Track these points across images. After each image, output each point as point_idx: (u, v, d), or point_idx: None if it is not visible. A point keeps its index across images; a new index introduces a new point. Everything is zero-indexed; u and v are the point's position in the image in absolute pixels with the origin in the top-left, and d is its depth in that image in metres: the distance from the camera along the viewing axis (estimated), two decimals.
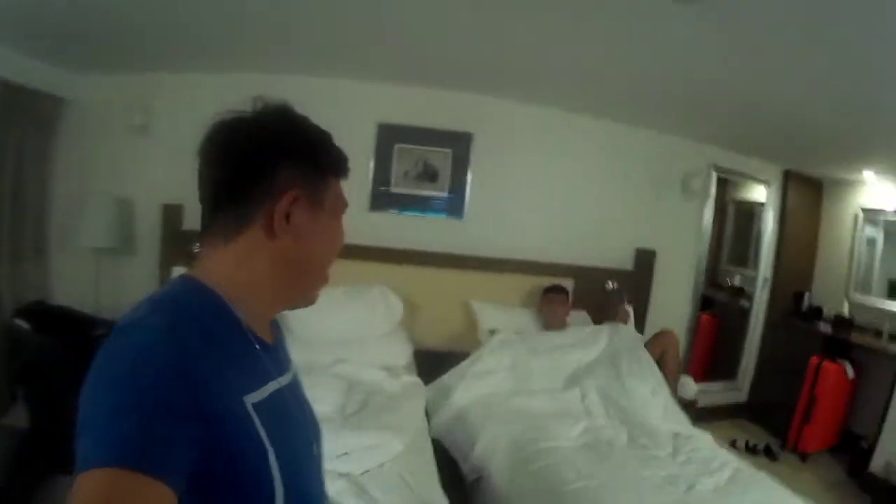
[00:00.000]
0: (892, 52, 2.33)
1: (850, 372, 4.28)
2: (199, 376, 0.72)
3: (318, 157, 0.91)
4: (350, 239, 3.12)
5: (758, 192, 5.04)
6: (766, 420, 4.55)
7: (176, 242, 3.54)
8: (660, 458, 2.74)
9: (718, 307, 5.18)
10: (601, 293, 4.15)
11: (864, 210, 4.72)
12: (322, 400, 2.62)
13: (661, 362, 3.62)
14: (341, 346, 3.35)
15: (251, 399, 0.80)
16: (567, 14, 2.50)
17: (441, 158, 3.97)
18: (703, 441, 2.96)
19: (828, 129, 3.70)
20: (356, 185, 3.86)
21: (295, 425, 0.93)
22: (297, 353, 3.10)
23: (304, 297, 0.97)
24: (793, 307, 4.94)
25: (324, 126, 2.90)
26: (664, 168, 4.48)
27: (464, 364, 3.47)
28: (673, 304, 4.54)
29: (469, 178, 4.03)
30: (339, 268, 3.13)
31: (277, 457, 0.80)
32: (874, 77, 2.65)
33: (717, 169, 4.63)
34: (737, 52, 2.69)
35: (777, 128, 3.91)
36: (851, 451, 4.20)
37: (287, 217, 0.87)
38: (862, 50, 2.38)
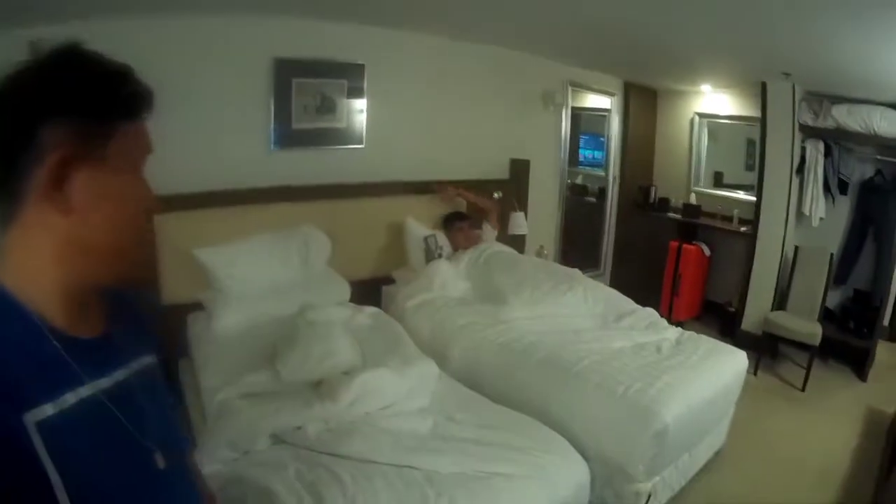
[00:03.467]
0: None
1: (707, 250, 5.25)
2: None
3: (92, 102, 0.72)
4: (257, 181, 3.20)
5: (601, 101, 5.67)
6: (633, 298, 5.24)
7: None
8: (623, 329, 3.31)
9: (569, 204, 5.68)
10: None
11: (699, 115, 5.61)
12: (339, 352, 2.67)
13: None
14: (282, 294, 3.33)
15: (36, 416, 0.64)
16: None
17: (337, 90, 3.97)
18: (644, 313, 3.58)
19: (663, 49, 4.33)
20: (258, 123, 3.77)
21: (119, 440, 0.75)
22: (245, 311, 3.14)
23: (117, 277, 0.79)
24: (641, 200, 5.74)
25: (217, 64, 3.21)
26: (528, 85, 4.90)
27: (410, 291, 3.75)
28: (544, 205, 5.08)
29: (365, 106, 4.08)
30: (248, 212, 3.30)
31: (75, 489, 0.65)
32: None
33: (572, 84, 5.14)
34: None
35: (620, 47, 4.45)
36: (717, 315, 5.19)
37: (61, 184, 0.70)
38: None
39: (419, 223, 4.15)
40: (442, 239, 4.13)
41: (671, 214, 5.62)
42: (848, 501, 3.01)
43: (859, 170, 4.80)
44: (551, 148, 5.22)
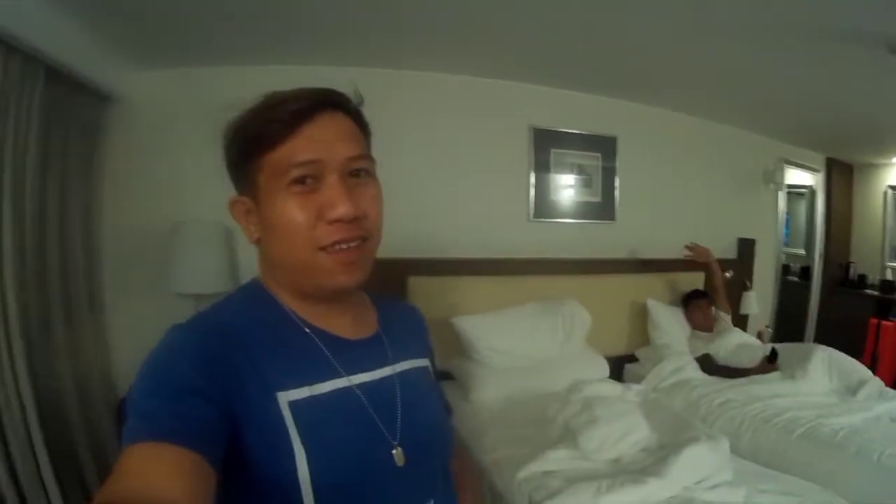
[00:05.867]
0: None
1: None
2: (220, 367, 0.75)
3: (237, 145, 0.85)
4: (514, 251, 3.42)
5: (803, 178, 5.60)
6: None
7: None
8: (862, 401, 3.29)
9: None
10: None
11: (891, 187, 5.52)
12: (639, 428, 2.62)
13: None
14: (544, 369, 3.26)
15: (289, 396, 0.79)
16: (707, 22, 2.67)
17: (592, 163, 3.98)
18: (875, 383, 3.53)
19: (867, 118, 4.27)
20: (518, 191, 3.80)
21: (363, 430, 0.85)
22: (506, 385, 3.15)
23: (314, 288, 0.86)
24: (842, 277, 5.65)
25: (480, 126, 3.57)
26: (746, 162, 4.86)
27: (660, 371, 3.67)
28: (761, 285, 4.89)
29: (618, 181, 4.08)
30: (499, 283, 3.44)
31: (315, 462, 0.76)
32: None
33: (785, 161, 5.06)
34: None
35: (827, 120, 4.42)
36: None
37: (250, 219, 0.87)
38: None
39: (661, 302, 4.06)
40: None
41: (869, 291, 5.53)
42: None
43: None
44: (769, 227, 5.12)
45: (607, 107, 4.01)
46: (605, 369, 3.51)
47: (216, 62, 3.08)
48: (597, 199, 4.02)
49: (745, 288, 4.44)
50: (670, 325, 3.95)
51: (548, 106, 3.84)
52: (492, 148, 3.70)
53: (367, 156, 0.87)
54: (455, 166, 3.59)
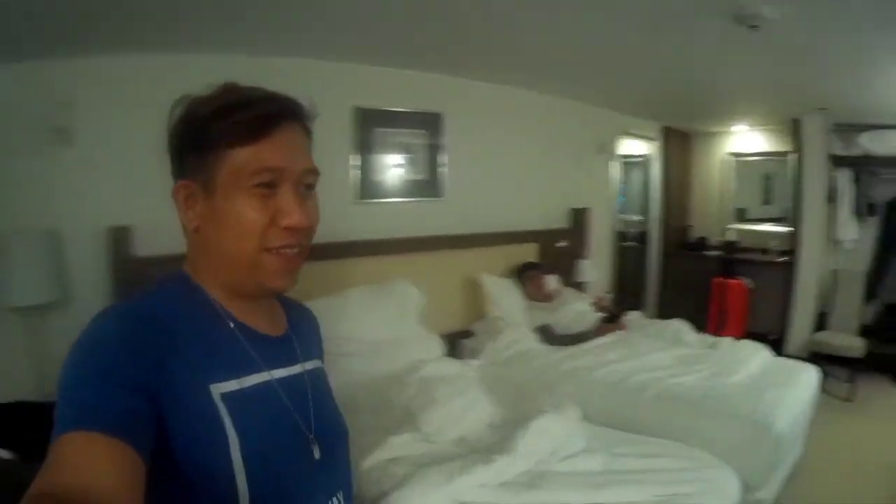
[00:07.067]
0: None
1: (750, 283, 5.47)
2: (151, 357, 0.75)
3: (202, 134, 0.83)
4: (339, 234, 3.17)
5: (639, 147, 5.83)
6: None
7: (129, 274, 2.66)
8: (714, 358, 3.46)
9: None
10: (555, 252, 4.57)
11: (731, 154, 5.88)
12: (480, 404, 2.66)
13: None
14: (382, 351, 3.23)
15: (220, 388, 0.80)
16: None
17: (417, 141, 3.94)
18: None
19: (707, 92, 4.52)
20: (341, 173, 3.69)
21: (285, 423, 0.89)
22: (346, 371, 2.99)
23: (254, 286, 0.88)
24: (681, 241, 5.94)
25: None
26: (583, 134, 4.99)
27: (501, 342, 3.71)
28: (601, 253, 5.10)
29: (444, 158, 4.07)
30: (328, 267, 3.21)
31: (247, 452, 0.79)
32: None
33: (622, 132, 5.25)
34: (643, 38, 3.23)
35: (666, 93, 4.62)
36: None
37: (189, 206, 0.86)
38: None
39: (494, 276, 4.12)
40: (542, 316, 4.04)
41: (711, 252, 5.84)
42: None
43: (883, 191, 5.04)
44: (602, 196, 5.29)
45: (432, 83, 3.99)
46: (439, 347, 3.48)
47: (47, 56, 2.68)
48: (423, 176, 4.00)
49: (579, 257, 4.56)
50: (505, 297, 4.03)
51: (371, 85, 3.75)
52: (314, 130, 3.57)
53: (317, 170, 0.91)
54: None
